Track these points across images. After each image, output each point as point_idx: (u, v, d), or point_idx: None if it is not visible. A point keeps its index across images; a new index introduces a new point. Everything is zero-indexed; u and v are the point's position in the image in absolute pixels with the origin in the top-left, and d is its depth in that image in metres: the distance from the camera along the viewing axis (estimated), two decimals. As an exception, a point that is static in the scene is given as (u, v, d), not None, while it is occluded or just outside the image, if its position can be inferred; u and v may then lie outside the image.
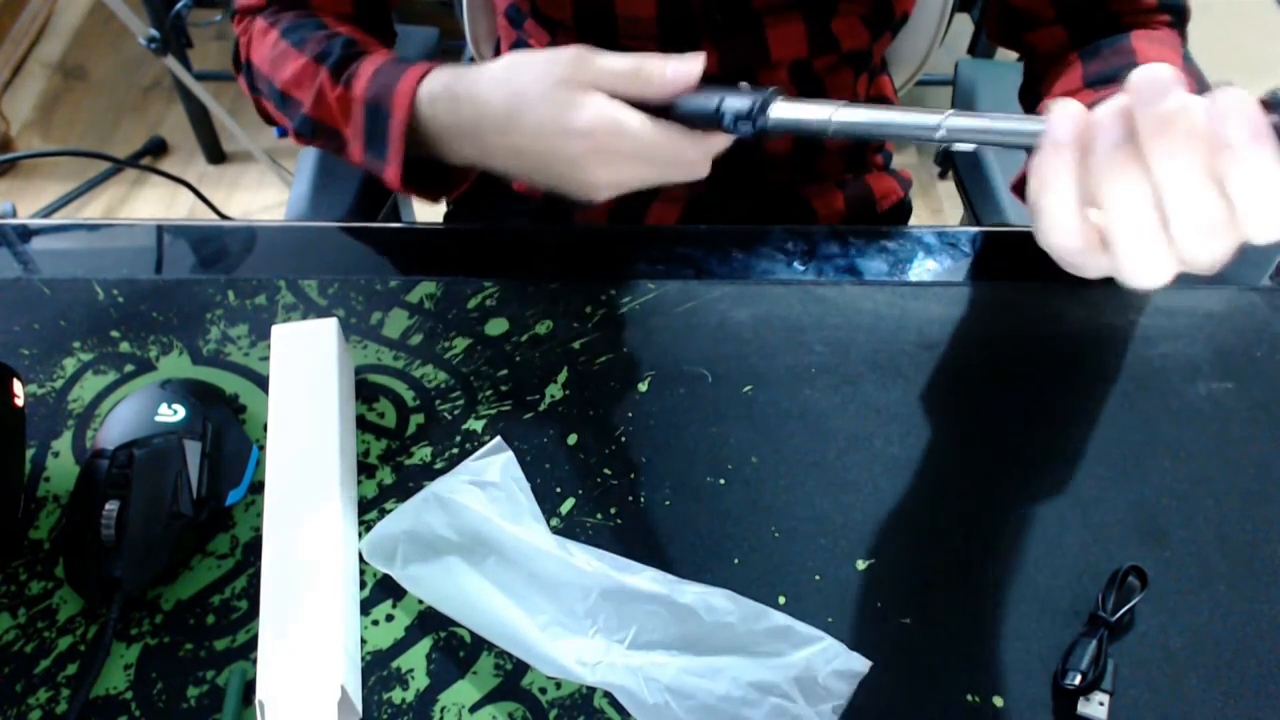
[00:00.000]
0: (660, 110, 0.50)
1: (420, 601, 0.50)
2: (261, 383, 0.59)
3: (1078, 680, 0.47)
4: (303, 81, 0.61)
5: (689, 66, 0.49)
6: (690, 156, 0.50)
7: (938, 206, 1.89)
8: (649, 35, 0.67)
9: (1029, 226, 0.43)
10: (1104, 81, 0.61)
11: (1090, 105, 0.40)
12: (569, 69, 0.50)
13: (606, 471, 0.55)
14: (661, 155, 0.50)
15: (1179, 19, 0.64)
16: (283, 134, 0.69)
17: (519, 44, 0.78)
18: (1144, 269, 0.36)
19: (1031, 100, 0.70)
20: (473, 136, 0.54)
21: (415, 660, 0.49)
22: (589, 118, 0.49)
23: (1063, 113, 0.37)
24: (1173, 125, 0.34)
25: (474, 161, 0.56)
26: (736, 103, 0.48)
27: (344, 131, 0.60)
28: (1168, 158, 0.34)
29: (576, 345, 0.61)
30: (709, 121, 0.49)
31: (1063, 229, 0.38)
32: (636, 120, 0.49)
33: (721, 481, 0.55)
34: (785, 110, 0.47)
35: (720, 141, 0.51)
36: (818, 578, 0.51)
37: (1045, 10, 0.66)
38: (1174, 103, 0.35)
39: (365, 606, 0.50)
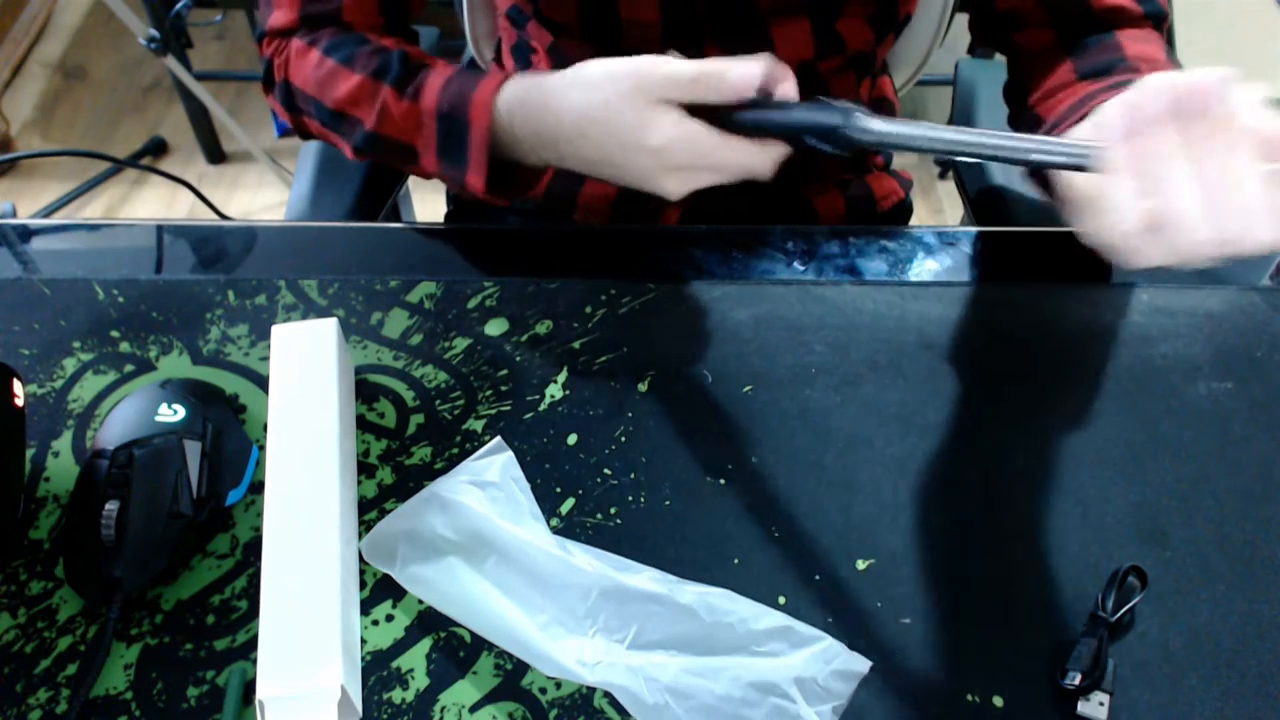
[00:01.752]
0: (727, 110, 0.51)
1: (420, 601, 0.50)
2: (261, 383, 0.59)
3: (1078, 680, 0.47)
4: (361, 99, 0.61)
5: (752, 70, 0.50)
6: (758, 165, 0.52)
7: (938, 206, 1.89)
8: (653, 38, 0.67)
9: (1028, 227, 0.46)
10: (1096, 74, 0.62)
11: (1087, 95, 0.47)
12: (636, 82, 0.51)
13: (606, 471, 0.55)
14: (731, 165, 0.52)
15: (1159, 24, 0.66)
16: (283, 134, 0.69)
17: (520, 45, 0.78)
18: (1203, 245, 0.41)
19: (1017, 97, 0.70)
20: (551, 144, 0.56)
21: (415, 660, 0.49)
22: (659, 137, 0.50)
23: (1116, 141, 0.43)
24: (1225, 125, 0.41)
25: (552, 164, 0.58)
26: (819, 123, 0.50)
27: (415, 144, 0.61)
28: (1224, 152, 0.41)
29: (576, 345, 0.61)
30: (788, 139, 0.51)
31: (1125, 219, 0.42)
32: (705, 135, 0.50)
33: (721, 481, 0.55)
34: (871, 130, 0.49)
35: (785, 147, 0.52)
36: (818, 578, 0.51)
37: (1034, 14, 0.67)
38: (1225, 104, 0.41)
39: (365, 606, 0.50)
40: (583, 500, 0.54)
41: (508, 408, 0.58)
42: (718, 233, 0.68)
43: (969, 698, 0.48)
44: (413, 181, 0.96)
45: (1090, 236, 0.44)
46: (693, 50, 0.67)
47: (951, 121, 0.92)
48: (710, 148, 0.51)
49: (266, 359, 0.60)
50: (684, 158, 0.51)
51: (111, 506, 0.49)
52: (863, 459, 0.56)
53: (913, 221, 0.90)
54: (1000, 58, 0.75)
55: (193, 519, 0.51)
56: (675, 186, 0.53)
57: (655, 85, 0.51)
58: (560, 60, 0.73)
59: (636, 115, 0.51)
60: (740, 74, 0.50)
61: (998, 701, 0.47)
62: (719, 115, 0.51)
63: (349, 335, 0.62)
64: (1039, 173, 0.56)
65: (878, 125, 0.49)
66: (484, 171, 0.58)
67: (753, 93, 0.51)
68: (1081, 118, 0.48)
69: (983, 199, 0.88)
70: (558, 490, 0.55)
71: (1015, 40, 0.69)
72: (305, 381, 0.54)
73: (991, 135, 0.47)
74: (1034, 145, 0.46)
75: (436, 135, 0.60)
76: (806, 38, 0.68)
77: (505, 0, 0.76)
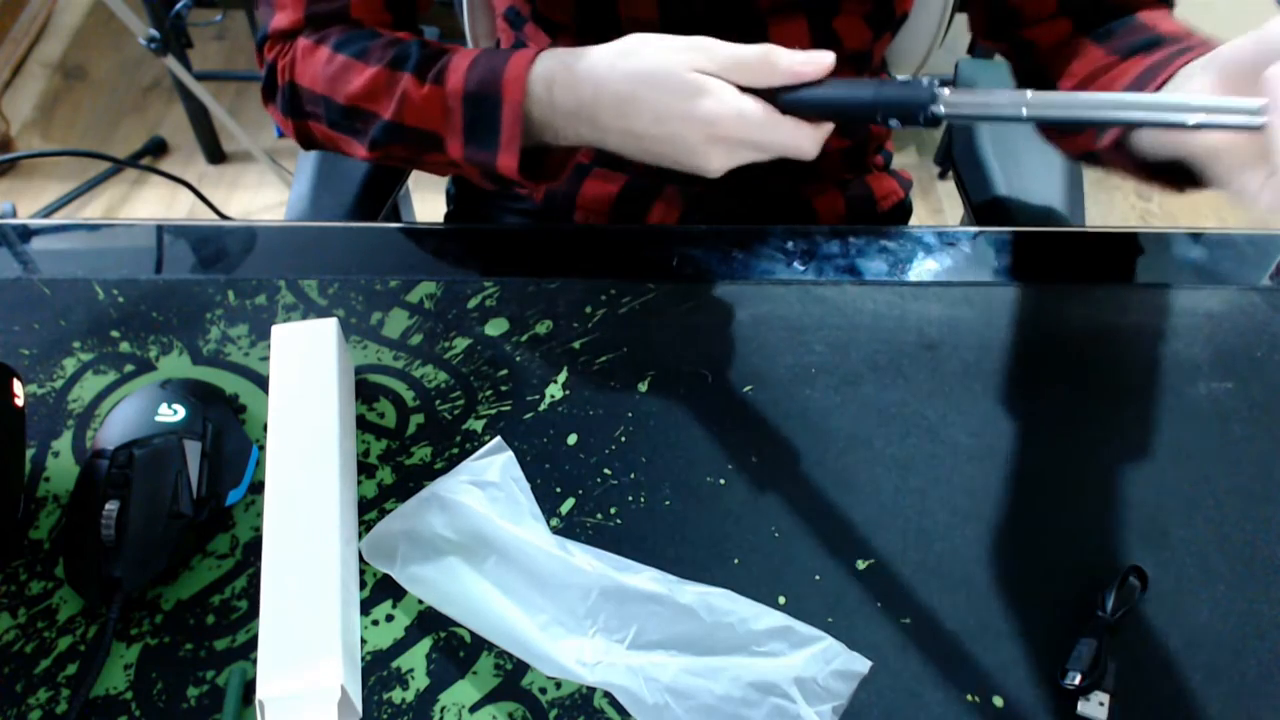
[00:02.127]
0: (771, 93, 0.51)
1: (420, 601, 0.50)
2: (261, 383, 0.59)
3: (1078, 680, 0.47)
4: (378, 91, 0.59)
5: (821, 59, 0.50)
6: (805, 144, 0.52)
7: (938, 206, 1.89)
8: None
9: (1028, 227, 0.45)
10: (1138, 51, 0.61)
11: (1154, 65, 0.49)
12: (693, 56, 0.51)
13: (606, 471, 0.55)
14: (779, 143, 0.51)
15: (1171, 5, 0.66)
16: (283, 134, 0.68)
17: (518, 46, 0.78)
18: None
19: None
20: (590, 118, 0.54)
21: (415, 660, 0.49)
22: (713, 107, 0.50)
23: None
24: None
25: (587, 140, 0.56)
26: (898, 100, 0.49)
27: (439, 131, 0.58)
28: None
29: (576, 345, 0.61)
30: (846, 118, 0.51)
31: None
32: (759, 111, 0.50)
33: (721, 481, 0.55)
34: (952, 104, 0.48)
35: (830, 126, 0.52)
36: (818, 578, 0.51)
37: (1045, 6, 0.66)
38: None
39: (365, 606, 0.50)
40: (583, 500, 0.54)
41: (508, 408, 0.58)
42: (718, 233, 0.68)
43: (969, 698, 0.48)
44: (413, 181, 0.96)
45: (1247, 194, 0.44)
46: None
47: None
48: (761, 123, 0.50)
49: (266, 359, 0.60)
50: (734, 130, 0.50)
51: (111, 506, 0.49)
52: (863, 459, 0.56)
53: (913, 221, 0.90)
54: (1000, 58, 0.75)
55: (193, 519, 0.51)
56: (719, 161, 0.52)
57: (712, 61, 0.50)
58: None
59: (692, 84, 0.50)
60: (809, 60, 0.50)
61: (998, 701, 0.47)
62: (772, 94, 0.51)
63: (349, 335, 0.62)
64: (1123, 146, 0.55)
65: (962, 98, 0.48)
66: (517, 152, 0.56)
67: (813, 79, 0.51)
68: (1160, 85, 0.48)
69: (982, 199, 0.88)
70: (558, 490, 0.55)
71: (1026, 36, 0.69)
72: (305, 381, 0.54)
73: (1102, 99, 0.46)
74: (1174, 105, 0.45)
75: (463, 119, 0.57)
76: (803, 36, 0.68)
77: (503, 1, 0.76)
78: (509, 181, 0.59)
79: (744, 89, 0.50)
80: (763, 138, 0.51)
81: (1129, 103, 0.46)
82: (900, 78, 0.50)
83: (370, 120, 0.60)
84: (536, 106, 0.56)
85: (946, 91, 0.48)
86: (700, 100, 0.50)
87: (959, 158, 0.87)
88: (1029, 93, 0.47)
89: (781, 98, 0.51)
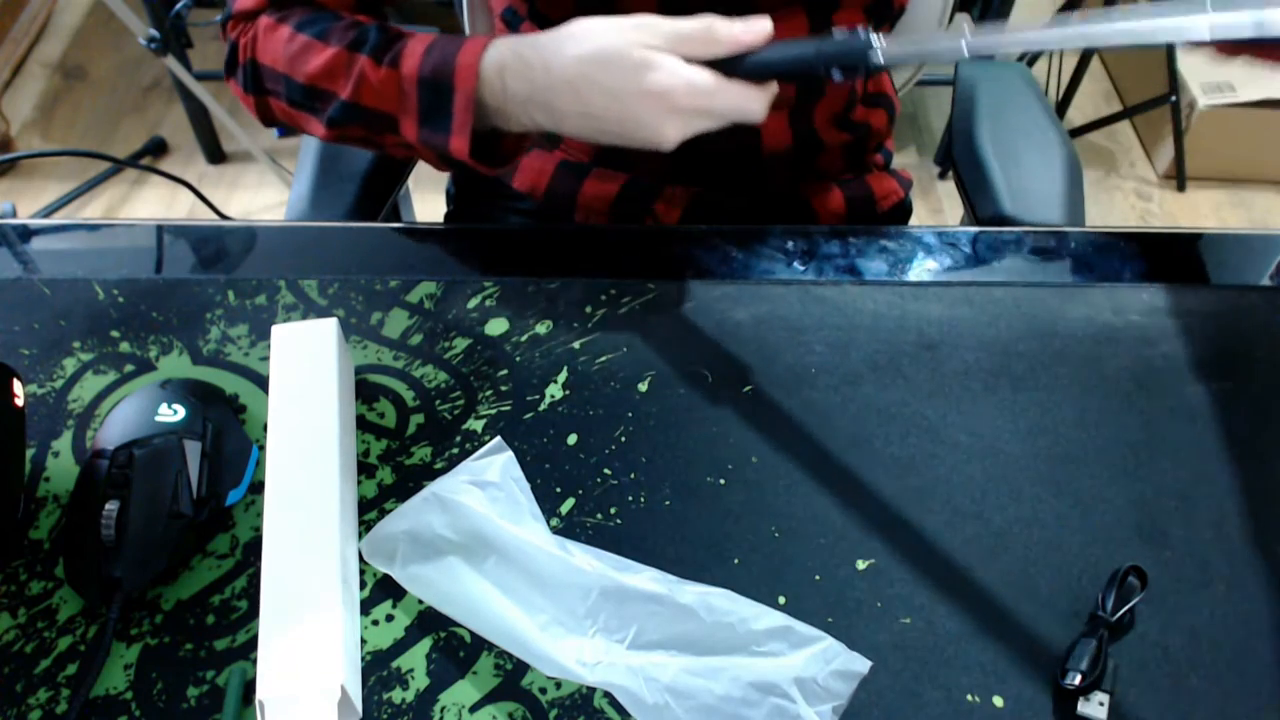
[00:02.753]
0: (717, 62, 0.53)
1: (420, 601, 0.50)
2: (261, 383, 0.59)
3: (1078, 680, 0.47)
4: (336, 72, 0.60)
5: (761, 26, 0.52)
6: (754, 106, 0.53)
7: (938, 206, 1.89)
8: None
9: (1028, 227, 0.44)
10: None
11: None
12: (639, 33, 0.52)
13: (606, 471, 0.55)
14: (729, 107, 0.53)
15: None
16: (283, 134, 0.68)
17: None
18: None
19: None
20: (544, 103, 0.55)
21: (415, 660, 0.49)
22: (663, 79, 0.51)
23: None
24: None
25: (541, 126, 0.57)
26: (838, 52, 0.51)
27: (394, 113, 0.59)
28: None
29: (576, 345, 0.61)
30: (803, 73, 0.53)
31: None
32: (708, 79, 0.52)
33: (721, 481, 0.55)
34: (891, 54, 0.51)
35: (775, 87, 0.54)
36: (818, 578, 0.51)
37: None
38: None
39: (365, 606, 0.50)
40: (583, 500, 0.54)
41: (508, 408, 0.58)
42: (718, 233, 0.68)
43: (969, 698, 0.48)
44: (413, 181, 0.96)
45: None
46: None
47: (951, 122, 0.92)
48: (711, 90, 0.52)
49: (266, 359, 0.60)
50: (686, 100, 0.52)
51: (111, 506, 0.49)
52: (863, 459, 0.56)
53: (913, 221, 0.90)
54: (1001, 58, 0.75)
55: (193, 519, 0.51)
56: (674, 132, 0.53)
57: (658, 36, 0.52)
58: None
59: (641, 60, 0.52)
60: (748, 29, 0.52)
61: (998, 701, 0.47)
62: (718, 62, 0.52)
63: (349, 335, 0.62)
64: None
65: (900, 46, 0.51)
66: (468, 136, 0.57)
67: (755, 45, 0.52)
68: None
69: (982, 199, 0.88)
70: (558, 490, 0.55)
71: None
72: (305, 381, 0.54)
73: (1044, 37, 0.48)
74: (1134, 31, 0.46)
75: (418, 102, 0.58)
76: (803, 30, 0.68)
77: (500, 2, 0.76)
78: (463, 165, 0.60)
79: (691, 61, 0.52)
80: (713, 104, 0.52)
81: (1073, 36, 0.47)
82: (838, 31, 0.52)
83: (329, 100, 0.61)
84: (489, 93, 0.57)
85: (882, 39, 0.50)
86: (650, 74, 0.51)
87: (959, 158, 0.87)
88: (966, 31, 0.48)
89: (727, 65, 0.52)
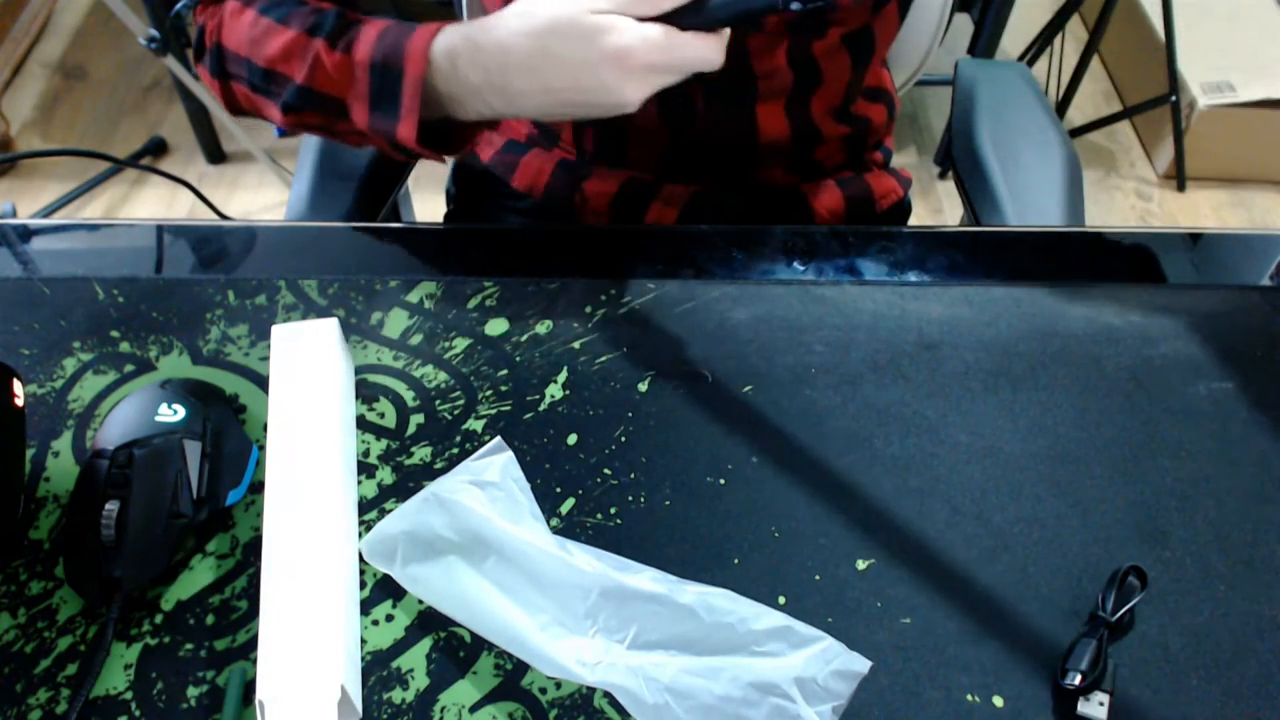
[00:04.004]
0: (667, 17, 0.53)
1: (420, 601, 0.50)
2: (261, 383, 0.59)
3: (1078, 680, 0.47)
4: (293, 55, 0.60)
5: None
6: (710, 54, 0.53)
7: (938, 206, 1.89)
8: None
9: (1028, 227, 0.44)
10: None
11: None
12: (587, 1, 0.52)
13: (606, 471, 0.55)
14: (687, 58, 0.53)
15: None
16: (283, 134, 0.68)
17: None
18: None
19: None
20: (500, 88, 0.55)
21: (415, 660, 0.49)
22: (619, 40, 0.51)
23: None
24: None
25: (496, 112, 0.57)
26: None
27: (345, 98, 0.60)
28: None
29: (576, 345, 0.61)
30: (757, 12, 0.52)
31: None
32: (662, 34, 0.52)
33: (721, 481, 0.55)
34: None
35: (728, 33, 0.54)
36: (818, 578, 0.51)
37: None
38: None
39: (365, 606, 0.50)
40: (583, 500, 0.54)
41: (508, 408, 0.58)
42: (718, 233, 0.68)
43: (969, 698, 0.48)
44: (413, 181, 0.96)
45: None
46: None
47: (951, 122, 0.92)
48: (668, 45, 0.52)
49: (266, 359, 0.60)
50: (644, 57, 0.52)
51: (111, 506, 0.49)
52: (863, 459, 0.56)
53: (913, 221, 0.90)
54: (1001, 57, 0.75)
55: (192, 519, 0.51)
56: (635, 92, 0.53)
57: (605, 2, 0.52)
58: None
59: (594, 25, 0.52)
60: None
61: (998, 701, 0.47)
62: (668, 17, 0.52)
63: (349, 335, 0.62)
64: None
65: None
66: (415, 122, 0.57)
67: None
68: None
69: (982, 199, 0.88)
70: (558, 490, 0.55)
71: None
72: (305, 381, 0.54)
73: None
74: None
75: (369, 87, 0.58)
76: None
77: (495, 4, 0.76)
78: (413, 152, 0.60)
79: (642, 20, 0.52)
80: (671, 58, 0.52)
81: None
82: None
83: (285, 84, 0.62)
84: (441, 79, 0.57)
85: None
86: (606, 38, 0.51)
87: (959, 157, 0.87)
88: None
89: (678, 18, 0.52)
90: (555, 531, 0.52)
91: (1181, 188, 1.93)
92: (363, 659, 0.49)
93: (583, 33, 0.52)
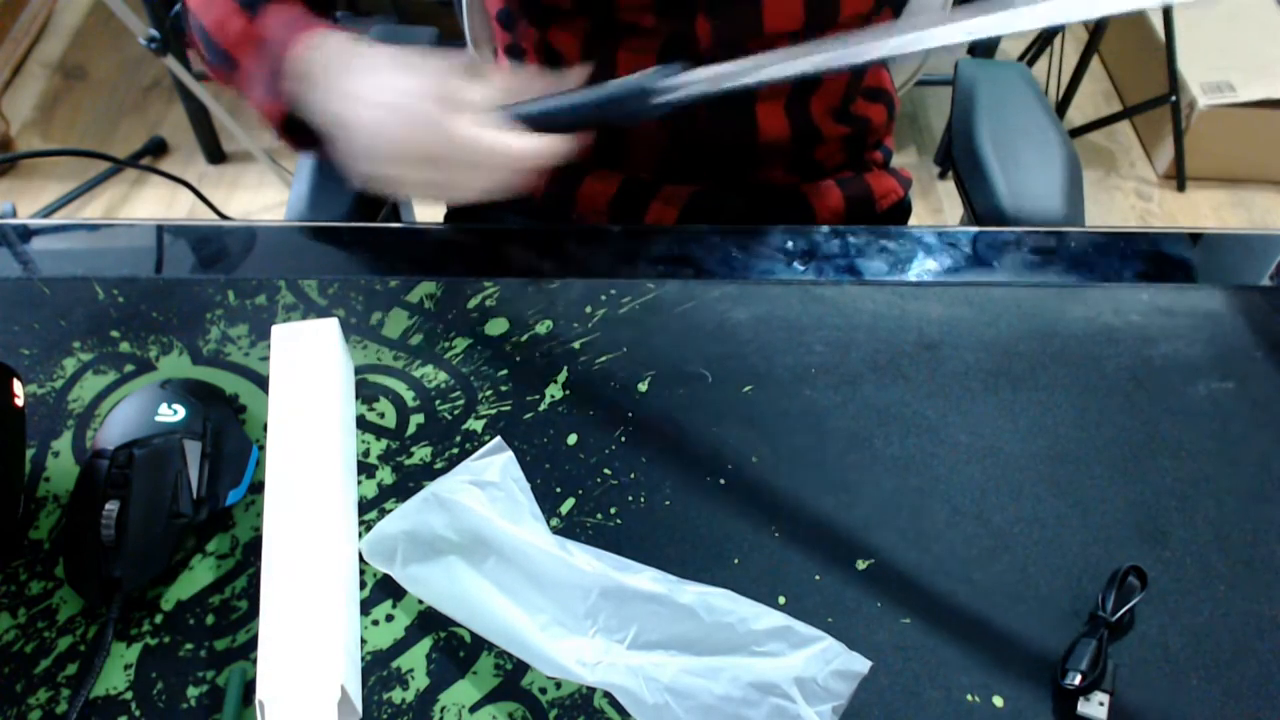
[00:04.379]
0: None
1: (420, 601, 0.50)
2: (261, 383, 0.59)
3: (1078, 680, 0.47)
4: (226, 16, 0.62)
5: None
6: (545, 154, 0.53)
7: (938, 206, 1.89)
8: (645, 6, 0.67)
9: (1028, 227, 0.44)
10: None
11: None
12: (440, 90, 0.53)
13: (606, 471, 0.55)
14: (513, 160, 0.53)
15: None
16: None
17: (513, 47, 0.78)
18: None
19: None
20: (338, 91, 0.56)
21: (415, 660, 0.49)
22: (453, 140, 0.52)
23: None
24: None
25: (328, 126, 0.57)
26: (621, 93, 0.52)
27: (242, 61, 0.62)
28: None
29: (576, 345, 0.61)
30: (585, 125, 0.53)
31: None
32: (489, 137, 0.52)
33: (721, 481, 0.55)
34: (699, 74, 0.51)
35: (571, 138, 0.54)
36: (818, 578, 0.51)
37: None
38: None
39: (365, 606, 0.50)
40: (583, 500, 0.54)
41: (508, 408, 0.58)
42: (718, 233, 0.68)
43: (969, 698, 0.48)
44: (413, 181, 0.96)
45: None
46: (684, 22, 0.67)
47: (950, 122, 0.92)
48: (504, 148, 0.52)
49: (266, 359, 0.60)
50: (477, 158, 0.52)
51: (111, 506, 0.49)
52: (863, 459, 0.56)
53: (913, 221, 0.90)
54: (1001, 57, 0.75)
55: (192, 519, 0.51)
56: (480, 185, 0.53)
57: (454, 104, 0.53)
58: (550, 58, 0.73)
59: (437, 117, 0.52)
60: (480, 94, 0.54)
61: (998, 701, 0.47)
62: (513, 118, 0.54)
63: (349, 335, 0.62)
64: None
65: (689, 75, 0.51)
66: (280, 110, 0.59)
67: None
68: None
69: (982, 199, 0.88)
70: (558, 490, 0.55)
71: None
72: (305, 381, 0.54)
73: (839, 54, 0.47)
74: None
75: (254, 59, 0.61)
76: (797, 6, 0.67)
77: (495, 4, 0.76)
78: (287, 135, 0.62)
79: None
80: (497, 160, 0.53)
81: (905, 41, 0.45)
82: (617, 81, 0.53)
83: (214, 42, 0.64)
84: (302, 79, 0.58)
85: (679, 79, 0.51)
86: (449, 131, 0.52)
87: (959, 157, 0.87)
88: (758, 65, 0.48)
89: (517, 116, 0.54)
90: (555, 531, 0.52)
91: (1181, 188, 1.93)
92: (363, 659, 0.49)
93: (422, 126, 0.52)
